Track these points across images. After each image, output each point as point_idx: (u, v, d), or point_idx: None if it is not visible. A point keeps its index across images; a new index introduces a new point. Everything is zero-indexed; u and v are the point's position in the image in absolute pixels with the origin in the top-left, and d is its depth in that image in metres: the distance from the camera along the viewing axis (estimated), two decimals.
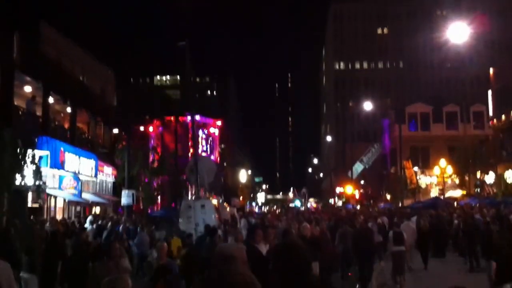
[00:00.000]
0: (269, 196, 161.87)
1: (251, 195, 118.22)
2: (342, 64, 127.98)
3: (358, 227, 20.14)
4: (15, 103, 32.21)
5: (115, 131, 50.59)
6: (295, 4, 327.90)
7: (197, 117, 50.16)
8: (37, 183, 24.26)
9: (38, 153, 26.33)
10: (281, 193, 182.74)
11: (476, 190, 51.21)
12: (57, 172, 35.11)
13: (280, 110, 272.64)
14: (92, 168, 41.23)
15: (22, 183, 23.78)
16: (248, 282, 2.55)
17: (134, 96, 63.97)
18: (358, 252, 17.96)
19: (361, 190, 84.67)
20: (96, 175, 42.75)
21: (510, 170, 43.17)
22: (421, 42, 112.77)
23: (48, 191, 31.40)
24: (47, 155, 31.28)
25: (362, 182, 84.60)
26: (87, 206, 41.59)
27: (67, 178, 36.68)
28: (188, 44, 35.21)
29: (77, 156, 37.65)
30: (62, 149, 34.50)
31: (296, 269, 4.44)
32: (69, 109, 40.86)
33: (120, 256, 10.26)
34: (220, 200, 44.79)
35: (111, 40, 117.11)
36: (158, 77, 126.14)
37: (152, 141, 54.94)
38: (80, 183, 38.40)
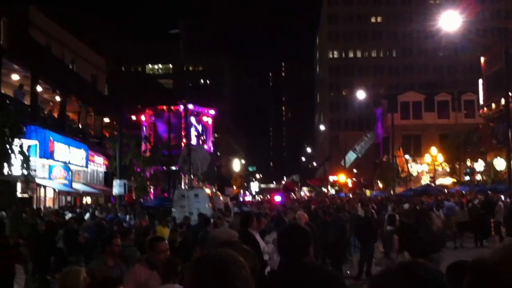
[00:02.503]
0: (262, 185, 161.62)
1: (245, 184, 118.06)
2: (336, 52, 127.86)
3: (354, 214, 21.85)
4: (2, 91, 31.90)
5: (106, 120, 50.36)
6: None
7: (190, 106, 49.93)
8: (25, 172, 23.98)
9: (26, 142, 26.09)
10: (274, 182, 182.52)
11: (466, 177, 51.44)
12: (46, 162, 34.92)
13: (273, 99, 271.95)
14: (83, 158, 41.03)
15: (10, 173, 23.56)
16: (226, 260, 2.51)
17: (126, 85, 63.72)
18: (361, 237, 19.43)
19: (354, 179, 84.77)
20: (87, 165, 42.56)
21: (499, 158, 43.26)
22: (415, 30, 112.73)
23: (37, 181, 31.22)
24: (36, 145, 31.05)
25: (355, 170, 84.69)
26: (78, 196, 41.45)
27: (57, 168, 36.53)
28: (181, 32, 35.06)
29: (67, 146, 37.43)
30: (51, 138, 34.28)
31: (297, 249, 4.59)
32: (58, 98, 40.58)
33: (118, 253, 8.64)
34: (214, 189, 44.70)
35: (102, 26, 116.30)
36: (150, 65, 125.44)
37: (144, 131, 54.70)
38: (70, 173, 38.27)
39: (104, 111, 49.03)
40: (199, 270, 2.49)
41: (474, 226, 27.13)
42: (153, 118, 55.13)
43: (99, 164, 47.11)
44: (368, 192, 69.25)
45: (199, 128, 57.62)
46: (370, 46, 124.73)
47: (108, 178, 45.83)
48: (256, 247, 8.56)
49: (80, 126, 45.50)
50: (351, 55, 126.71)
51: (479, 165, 48.21)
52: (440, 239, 15.65)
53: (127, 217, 26.77)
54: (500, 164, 42.70)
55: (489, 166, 46.40)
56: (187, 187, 32.17)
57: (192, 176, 33.36)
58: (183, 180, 41.93)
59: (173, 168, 43.49)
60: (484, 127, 54.47)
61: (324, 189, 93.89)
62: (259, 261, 7.98)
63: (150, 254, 7.14)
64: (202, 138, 57.74)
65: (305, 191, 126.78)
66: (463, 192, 41.95)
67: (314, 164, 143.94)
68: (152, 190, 49.39)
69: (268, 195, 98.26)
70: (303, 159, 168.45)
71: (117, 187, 34.31)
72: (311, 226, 16.96)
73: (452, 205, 29.60)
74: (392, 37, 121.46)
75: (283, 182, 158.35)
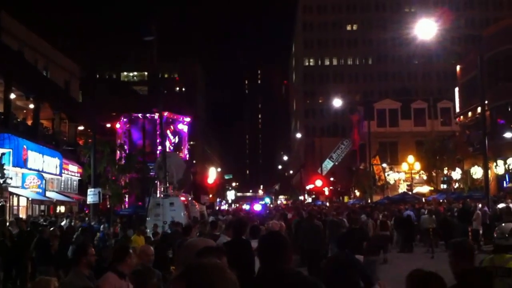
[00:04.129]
0: (239, 194, 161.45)
1: (221, 192, 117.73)
2: (311, 60, 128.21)
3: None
4: None
5: (80, 127, 49.76)
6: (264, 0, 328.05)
7: (165, 114, 49.48)
8: (1, 181, 23.58)
9: None
10: (251, 190, 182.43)
11: (443, 185, 51.57)
12: (19, 170, 34.35)
13: (249, 106, 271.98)
14: (56, 166, 40.43)
15: None
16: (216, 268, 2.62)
17: (100, 92, 63.07)
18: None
19: (331, 187, 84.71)
20: (60, 173, 41.93)
21: (476, 166, 43.38)
22: (390, 38, 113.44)
23: (10, 189, 30.66)
24: (9, 153, 30.50)
25: (331, 178, 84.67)
26: (52, 205, 40.79)
27: (31, 177, 35.93)
28: (156, 39, 34.65)
29: (41, 154, 36.86)
30: (25, 146, 33.74)
31: (277, 257, 4.61)
32: (32, 105, 39.99)
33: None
34: (189, 198, 44.24)
35: (77, 33, 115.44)
36: (125, 72, 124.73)
37: (119, 138, 54.09)
38: (44, 182, 37.65)
39: (78, 118, 48.43)
40: (191, 279, 2.50)
41: (442, 233, 27.51)
42: (128, 125, 54.58)
43: (73, 172, 46.45)
44: (346, 199, 69.20)
45: (172, 137, 57.14)
46: (346, 54, 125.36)
47: (82, 187, 45.19)
48: (250, 254, 8.62)
49: (54, 134, 44.84)
50: (326, 62, 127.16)
51: (456, 173, 48.34)
52: (374, 244, 16.18)
53: (101, 226, 26.43)
54: (477, 172, 42.82)
55: (466, 174, 46.53)
56: (162, 195, 31.78)
57: (167, 184, 32.96)
58: (158, 188, 41.45)
59: (148, 175, 43.04)
60: (460, 134, 54.67)
61: (301, 197, 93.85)
62: (250, 271, 7.90)
63: (118, 263, 7.02)
64: (177, 146, 57.21)
65: (281, 200, 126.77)
66: (440, 200, 41.98)
67: (291, 172, 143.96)
68: (126, 198, 48.80)
69: (245, 204, 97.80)
70: (280, 166, 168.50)
71: (91, 196, 33.76)
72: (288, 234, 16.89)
73: (409, 213, 30.95)
74: (367, 44, 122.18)
75: (260, 191, 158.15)
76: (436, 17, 44.58)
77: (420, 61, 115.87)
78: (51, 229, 21.06)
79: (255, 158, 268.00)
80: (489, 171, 35.35)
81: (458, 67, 56.79)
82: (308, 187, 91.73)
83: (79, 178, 47.01)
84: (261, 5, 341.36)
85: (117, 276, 6.84)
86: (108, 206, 44.12)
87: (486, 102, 35.21)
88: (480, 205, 30.37)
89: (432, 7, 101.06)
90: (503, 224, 7.17)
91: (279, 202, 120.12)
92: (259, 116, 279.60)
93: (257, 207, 50.81)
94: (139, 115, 53.01)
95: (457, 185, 49.90)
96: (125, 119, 54.68)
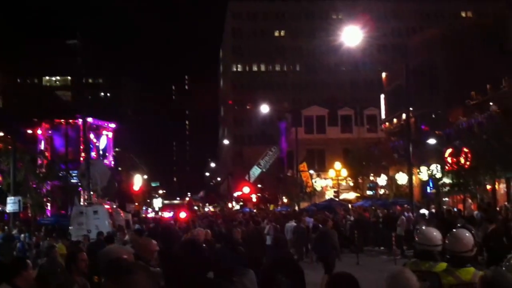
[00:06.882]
0: (166, 201, 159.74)
1: (147, 200, 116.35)
2: (239, 66, 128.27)
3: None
4: None
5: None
6: (191, 3, 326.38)
7: (90, 120, 48.39)
8: None
9: None
10: (178, 198, 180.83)
11: (369, 192, 52.18)
12: None
13: (177, 112, 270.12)
14: None
15: None
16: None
17: (21, 97, 61.34)
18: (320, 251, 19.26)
19: (259, 194, 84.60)
20: None
21: (401, 172, 44.02)
22: (318, 45, 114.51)
23: None
24: None
25: (259, 185, 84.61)
26: None
27: None
28: (79, 43, 33.80)
29: None
30: None
31: (192, 265, 4.51)
32: None
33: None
34: (114, 206, 43.38)
35: None
36: (47, 77, 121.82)
37: (40, 145, 52.55)
38: None
39: None
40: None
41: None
42: (50, 132, 53.15)
43: None
44: (271, 207, 69.21)
45: (102, 143, 55.99)
46: (274, 61, 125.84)
47: (1, 195, 43.59)
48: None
49: None
50: (255, 69, 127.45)
51: (382, 180, 48.97)
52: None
53: (22, 235, 25.55)
54: (401, 178, 43.42)
55: (391, 180, 47.17)
56: (85, 203, 30.98)
57: (91, 192, 32.18)
58: (81, 196, 40.45)
59: (71, 183, 42.04)
60: (385, 141, 55.49)
61: (229, 204, 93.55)
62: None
63: (13, 277, 6.39)
64: (101, 152, 56.04)
65: (209, 208, 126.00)
66: (366, 206, 42.40)
67: (218, 179, 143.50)
68: (49, 207, 47.46)
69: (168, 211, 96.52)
70: (207, 174, 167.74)
71: (11, 204, 32.58)
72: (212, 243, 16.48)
73: (309, 220, 31.36)
74: (295, 51, 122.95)
75: (187, 199, 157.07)
76: (360, 24, 45.11)
77: (348, 68, 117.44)
78: None
79: (183, 165, 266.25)
80: (413, 178, 35.95)
81: (384, 75, 57.73)
82: (236, 194, 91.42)
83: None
84: (189, 10, 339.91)
85: None
86: (30, 215, 42.77)
87: (411, 109, 35.76)
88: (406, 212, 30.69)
89: (359, 14, 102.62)
90: (424, 228, 6.92)
91: (206, 209, 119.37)
92: (186, 122, 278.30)
93: (182, 214, 50.11)
94: (62, 121, 51.69)
95: (382, 191, 50.56)
96: (46, 125, 53.24)
